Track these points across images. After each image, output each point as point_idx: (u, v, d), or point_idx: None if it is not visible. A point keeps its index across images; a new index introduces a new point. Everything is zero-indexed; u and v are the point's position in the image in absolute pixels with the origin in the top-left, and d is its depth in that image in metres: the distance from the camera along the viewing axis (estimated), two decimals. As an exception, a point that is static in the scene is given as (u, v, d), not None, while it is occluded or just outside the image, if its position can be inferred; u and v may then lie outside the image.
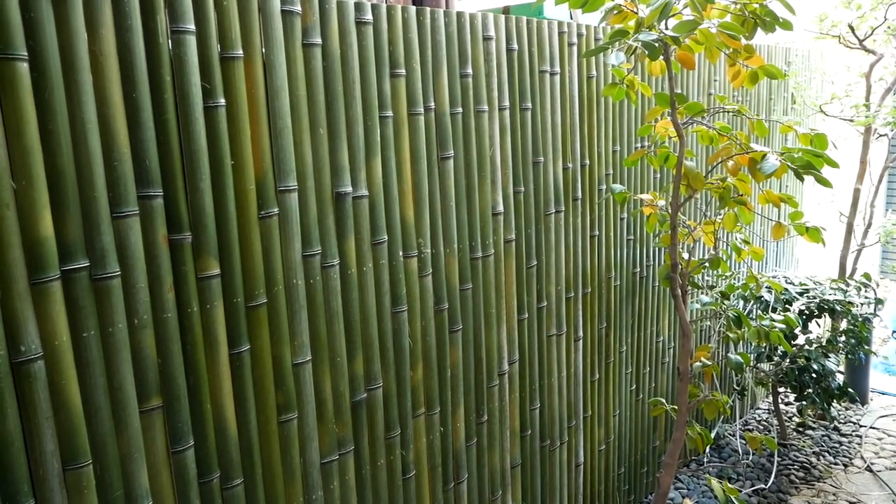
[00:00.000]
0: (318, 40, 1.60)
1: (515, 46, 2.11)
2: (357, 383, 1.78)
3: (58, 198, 1.22)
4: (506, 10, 2.88)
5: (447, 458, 2.07)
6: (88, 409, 1.28)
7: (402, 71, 1.79)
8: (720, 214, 2.33)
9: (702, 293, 3.07)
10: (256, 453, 1.57)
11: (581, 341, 2.56)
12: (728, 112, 2.38)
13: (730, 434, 3.61)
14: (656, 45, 1.78)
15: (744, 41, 1.87)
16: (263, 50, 1.50)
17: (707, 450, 3.47)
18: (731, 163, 2.08)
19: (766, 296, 3.18)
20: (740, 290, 2.99)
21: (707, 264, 2.43)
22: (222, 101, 1.43)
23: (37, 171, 1.18)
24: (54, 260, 1.22)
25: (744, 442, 3.54)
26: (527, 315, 2.30)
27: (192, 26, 1.37)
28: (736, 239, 2.61)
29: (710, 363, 2.37)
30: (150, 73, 1.32)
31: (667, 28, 1.88)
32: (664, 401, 2.51)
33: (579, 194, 2.44)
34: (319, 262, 1.65)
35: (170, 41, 1.35)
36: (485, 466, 2.21)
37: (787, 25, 1.83)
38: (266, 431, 1.58)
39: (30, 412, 1.21)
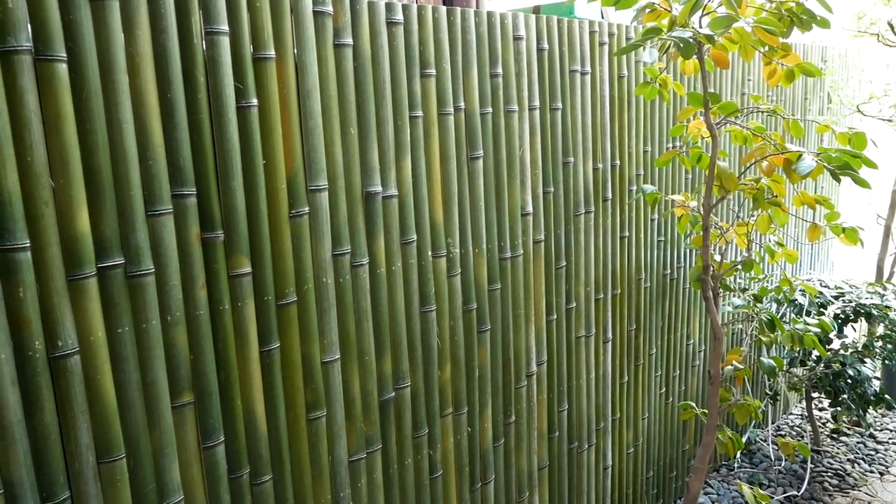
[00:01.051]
0: (350, 41, 1.61)
1: (546, 46, 2.10)
2: (385, 382, 1.78)
3: (94, 196, 1.24)
4: (536, 10, 2.87)
5: (474, 459, 2.07)
6: (122, 404, 1.31)
7: (433, 71, 1.79)
8: (753, 216, 2.29)
9: (734, 296, 3.03)
10: (285, 450, 1.59)
11: (610, 343, 2.54)
12: (763, 112, 2.34)
13: (761, 439, 3.56)
14: (690, 42, 1.76)
15: (780, 39, 1.84)
16: (295, 50, 1.51)
17: (738, 455, 3.42)
18: (765, 163, 2.05)
19: (801, 299, 3.13)
20: (773, 293, 2.94)
21: (739, 266, 2.39)
22: (255, 101, 1.45)
23: (74, 170, 1.21)
24: (91, 257, 1.24)
25: (776, 447, 3.48)
26: (555, 316, 2.28)
27: (225, 27, 1.39)
28: (769, 241, 2.57)
29: (741, 367, 2.34)
30: (185, 73, 1.34)
31: (700, 26, 1.86)
32: (694, 405, 2.48)
33: (609, 195, 2.42)
34: (349, 261, 1.66)
35: (204, 42, 1.37)
36: (512, 467, 2.20)
37: (824, 23, 1.80)
38: (295, 429, 1.60)
39: (66, 406, 1.24)
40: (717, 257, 2.35)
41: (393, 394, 1.81)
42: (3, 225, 1.14)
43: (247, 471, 1.52)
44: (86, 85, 1.21)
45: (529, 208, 2.12)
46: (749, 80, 3.14)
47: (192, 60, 1.35)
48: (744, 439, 3.34)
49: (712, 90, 2.82)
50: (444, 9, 1.80)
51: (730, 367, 2.34)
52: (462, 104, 1.88)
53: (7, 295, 1.15)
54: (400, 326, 1.80)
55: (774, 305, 3.11)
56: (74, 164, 1.20)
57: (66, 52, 1.18)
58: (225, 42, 1.39)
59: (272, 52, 1.47)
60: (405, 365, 1.82)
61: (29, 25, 1.15)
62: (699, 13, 1.87)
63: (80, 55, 1.20)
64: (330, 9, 1.56)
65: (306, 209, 1.56)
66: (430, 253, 1.85)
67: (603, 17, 2.67)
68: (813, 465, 3.40)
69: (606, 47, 2.32)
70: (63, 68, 1.18)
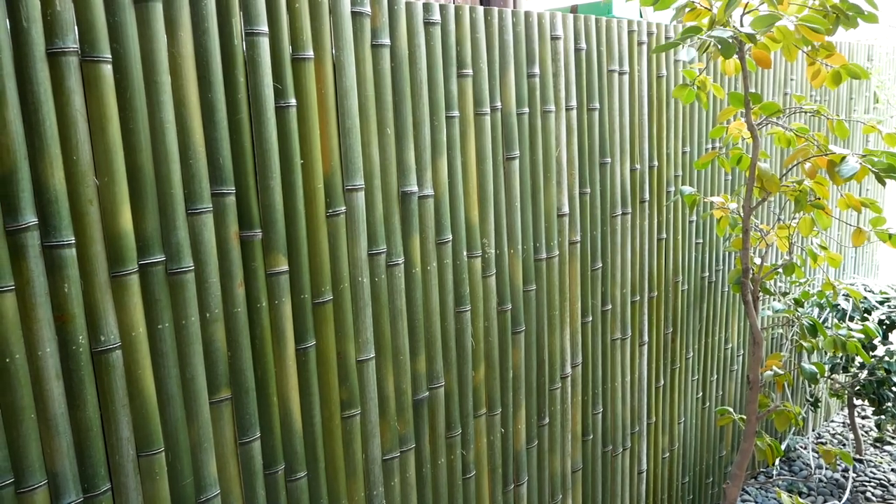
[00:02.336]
0: (387, 41, 1.61)
1: (583, 46, 2.09)
2: (419, 382, 1.79)
3: (136, 194, 1.27)
4: (574, 9, 2.85)
5: (507, 460, 2.06)
6: (162, 399, 1.33)
7: (469, 71, 1.79)
8: (795, 218, 2.25)
9: (774, 300, 2.97)
10: (320, 447, 1.60)
11: (646, 346, 2.51)
12: (806, 112, 2.29)
13: (801, 447, 3.48)
14: (730, 42, 1.73)
15: (825, 38, 1.80)
16: (333, 51, 1.52)
17: (777, 462, 3.35)
18: (808, 165, 2.01)
19: (844, 304, 3.05)
20: (815, 297, 2.87)
21: (780, 270, 2.35)
22: (293, 101, 1.46)
23: (118, 168, 1.23)
24: (133, 254, 1.27)
25: (817, 455, 3.41)
26: (591, 318, 2.26)
27: (265, 28, 1.40)
28: (812, 244, 2.52)
29: (781, 372, 2.29)
30: (225, 73, 1.36)
31: (741, 25, 1.82)
32: (732, 410, 2.44)
33: (647, 196, 2.39)
34: (384, 260, 1.67)
35: (244, 43, 1.38)
36: (545, 469, 2.19)
37: (871, 18, 1.75)
38: (329, 426, 1.61)
39: (107, 400, 1.26)
40: (758, 260, 2.31)
41: (427, 393, 1.81)
42: (50, 222, 1.17)
43: (282, 467, 1.54)
44: (129, 85, 1.23)
45: (566, 209, 2.11)
46: (792, 79, 3.08)
47: (233, 61, 1.37)
48: (783, 446, 3.28)
49: (753, 90, 2.78)
50: (481, 9, 1.80)
51: (769, 372, 2.30)
52: (498, 104, 1.88)
53: (52, 290, 1.18)
54: (434, 326, 1.80)
55: (816, 310, 3.04)
56: (118, 162, 1.23)
57: (111, 53, 1.21)
58: (264, 43, 1.41)
59: (311, 53, 1.48)
60: (439, 364, 1.83)
61: (76, 27, 1.18)
62: (740, 11, 1.83)
63: (124, 56, 1.22)
64: (368, 9, 1.57)
65: (343, 208, 1.57)
66: (465, 253, 1.85)
67: (641, 17, 2.64)
68: (855, 475, 3.31)
69: (645, 47, 2.29)
70: (108, 69, 1.21)
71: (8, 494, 1.16)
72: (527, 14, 1.91)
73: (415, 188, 1.71)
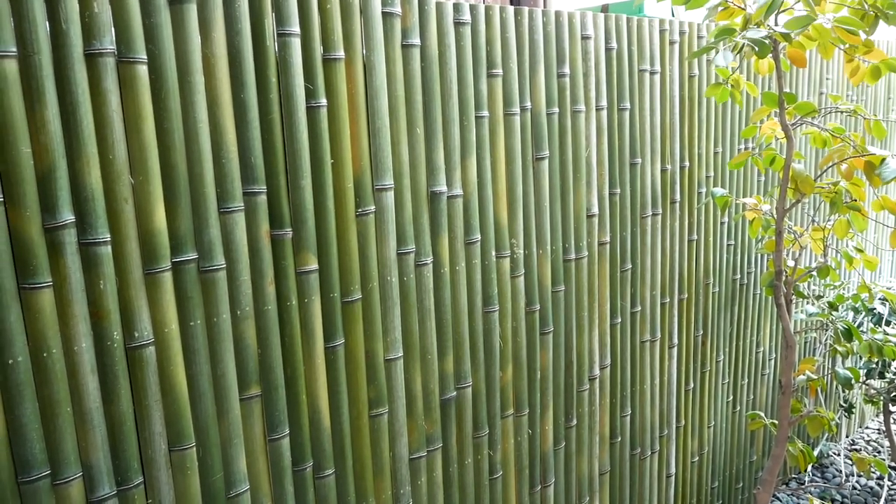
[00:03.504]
0: (417, 41, 1.62)
1: (614, 45, 2.07)
2: (447, 381, 1.79)
3: (170, 193, 1.28)
4: (605, 9, 2.83)
5: (534, 461, 2.05)
6: (193, 395, 1.35)
7: (499, 71, 1.79)
8: (830, 220, 2.21)
9: (808, 303, 2.92)
10: (348, 445, 1.61)
11: (676, 348, 2.49)
12: (842, 112, 2.25)
13: (834, 453, 3.42)
14: (765, 42, 1.71)
15: (863, 36, 1.77)
16: (364, 51, 1.53)
17: (809, 468, 3.30)
18: (844, 166, 1.97)
19: (880, 308, 2.99)
20: (851, 300, 2.82)
21: (814, 272, 2.30)
22: (324, 101, 1.48)
23: (152, 167, 1.25)
24: (166, 252, 1.29)
25: (850, 463, 3.34)
26: (620, 319, 2.25)
27: (297, 29, 1.42)
28: (847, 246, 2.47)
29: (815, 377, 2.25)
30: (257, 74, 1.37)
31: (776, 24, 1.80)
32: (763, 415, 2.40)
33: (678, 197, 2.37)
34: (413, 260, 1.67)
35: (276, 43, 1.40)
36: (572, 471, 2.18)
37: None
38: (357, 424, 1.62)
39: (140, 395, 1.28)
40: (791, 263, 2.27)
41: (454, 393, 1.81)
42: (86, 220, 1.19)
43: (310, 464, 1.55)
44: (164, 85, 1.25)
45: (595, 210, 2.09)
46: (828, 78, 3.02)
47: (265, 61, 1.38)
48: (815, 452, 3.22)
49: (788, 90, 2.73)
50: (511, 8, 1.79)
51: (802, 376, 2.26)
52: (528, 104, 1.87)
53: (88, 287, 1.21)
54: (462, 326, 1.80)
55: (851, 314, 2.98)
56: (153, 161, 1.25)
57: (146, 54, 1.23)
58: (296, 43, 1.42)
59: (341, 53, 1.49)
60: (467, 365, 1.83)
61: (113, 29, 1.20)
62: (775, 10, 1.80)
63: (159, 57, 1.24)
64: (398, 10, 1.57)
65: (372, 208, 1.58)
66: (493, 253, 1.84)
67: (673, 16, 2.62)
68: (890, 483, 3.24)
69: (677, 46, 2.27)
70: (143, 70, 1.23)
71: (45, 486, 1.19)
72: (557, 14, 1.91)
73: (444, 188, 1.71)
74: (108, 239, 1.22)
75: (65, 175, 1.16)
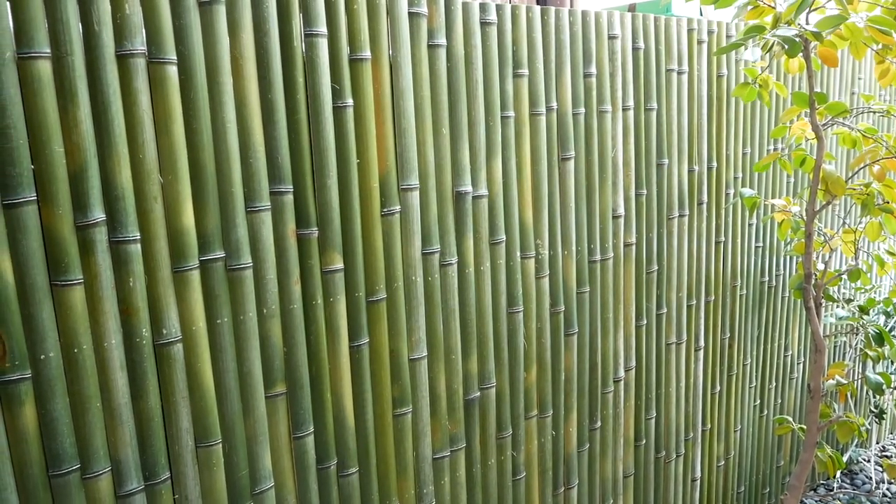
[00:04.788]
0: (443, 41, 1.62)
1: (641, 45, 2.05)
2: (471, 382, 1.79)
3: (198, 192, 1.30)
4: (632, 8, 2.81)
5: (558, 463, 2.04)
6: (220, 392, 1.36)
7: (525, 71, 1.78)
8: (862, 223, 2.17)
9: (837, 307, 2.87)
10: (371, 444, 1.62)
11: (702, 351, 2.46)
12: (875, 112, 2.21)
13: (864, 460, 3.36)
14: (796, 41, 1.68)
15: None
16: (390, 51, 1.53)
17: (838, 475, 3.24)
18: (876, 167, 1.94)
19: (913, 312, 2.93)
20: (882, 304, 2.77)
21: (845, 276, 2.27)
22: (350, 101, 1.48)
23: (181, 167, 1.27)
24: (194, 250, 1.30)
25: (880, 469, 3.28)
26: (645, 321, 2.23)
27: (324, 29, 1.43)
28: (879, 249, 2.42)
29: (845, 382, 2.22)
30: (285, 74, 1.39)
31: (807, 22, 1.77)
32: (791, 419, 2.37)
33: (705, 198, 2.34)
34: (438, 260, 1.68)
35: (303, 44, 1.41)
36: (596, 474, 2.17)
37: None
38: (381, 423, 1.62)
39: (168, 391, 1.30)
40: (821, 265, 2.24)
41: (478, 393, 1.81)
42: (117, 218, 1.21)
43: (334, 462, 1.56)
44: (193, 86, 1.27)
45: (621, 210, 2.08)
46: (860, 78, 2.97)
47: (292, 62, 1.39)
48: (845, 458, 3.17)
49: (818, 89, 2.69)
50: (537, 8, 1.79)
51: (832, 381, 2.22)
52: (554, 104, 1.86)
53: (118, 284, 1.22)
54: (487, 326, 1.80)
55: (883, 318, 2.93)
56: (182, 161, 1.27)
57: (176, 54, 1.25)
58: (323, 44, 1.43)
59: (368, 54, 1.49)
60: (491, 365, 1.82)
61: (143, 30, 1.21)
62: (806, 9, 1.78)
63: (188, 58, 1.26)
64: (425, 10, 1.58)
65: (398, 208, 1.59)
66: (518, 254, 1.84)
67: (701, 15, 2.59)
68: (922, 490, 3.18)
69: (705, 45, 2.24)
70: (173, 70, 1.24)
71: (75, 480, 1.21)
72: (584, 13, 1.90)
73: (469, 188, 1.71)
74: (138, 237, 1.24)
75: (96, 174, 1.18)
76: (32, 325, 1.14)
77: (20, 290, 1.13)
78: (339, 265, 1.51)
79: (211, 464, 1.36)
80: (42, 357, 1.16)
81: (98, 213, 1.19)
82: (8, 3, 1.09)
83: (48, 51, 1.12)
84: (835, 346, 3.12)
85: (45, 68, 1.12)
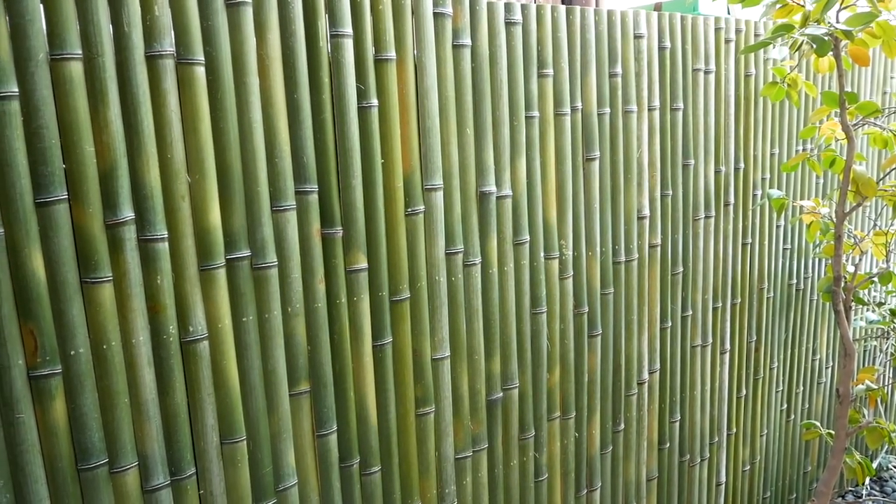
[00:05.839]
0: (468, 41, 1.62)
1: (668, 44, 2.04)
2: (493, 382, 1.79)
3: (225, 191, 1.31)
4: (658, 7, 2.79)
5: (581, 465, 2.03)
6: (244, 389, 1.38)
7: (550, 71, 1.78)
8: (893, 224, 2.13)
9: (868, 310, 2.82)
10: (394, 443, 1.62)
11: (728, 354, 2.43)
12: (907, 113, 2.17)
13: (894, 466, 3.30)
14: (825, 39, 1.66)
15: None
16: (415, 51, 1.54)
17: (867, 481, 3.19)
18: (908, 168, 1.90)
19: (945, 316, 2.87)
20: (914, 308, 2.71)
21: (876, 279, 2.23)
22: (375, 101, 1.49)
23: (208, 166, 1.28)
24: (220, 249, 1.32)
25: (911, 476, 3.22)
26: (670, 323, 2.21)
27: (349, 30, 1.43)
28: (911, 252, 2.38)
29: (875, 387, 2.18)
30: (310, 74, 1.40)
31: (837, 20, 1.74)
32: (818, 424, 2.33)
33: (731, 199, 2.32)
34: (462, 260, 1.68)
35: (328, 44, 1.42)
36: (619, 476, 2.15)
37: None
38: (404, 423, 1.63)
39: (194, 388, 1.32)
40: (851, 268, 2.20)
41: (501, 394, 1.81)
42: (145, 217, 1.22)
43: (357, 460, 1.57)
44: (220, 86, 1.28)
45: (646, 211, 2.06)
46: (892, 77, 2.92)
47: (318, 62, 1.40)
48: (874, 465, 3.11)
49: (849, 89, 2.65)
50: (563, 8, 1.78)
51: (861, 386, 2.18)
52: (579, 104, 1.86)
53: (146, 282, 1.24)
54: (510, 327, 1.79)
55: (914, 322, 2.87)
56: (209, 160, 1.28)
57: (203, 55, 1.26)
58: (348, 44, 1.44)
59: (393, 54, 1.50)
60: (514, 366, 1.82)
61: (172, 31, 1.23)
62: (837, 7, 1.75)
63: (216, 58, 1.27)
64: (450, 10, 1.58)
65: (422, 208, 1.59)
66: (542, 254, 1.83)
67: (729, 13, 2.56)
68: (954, 498, 3.11)
69: (732, 44, 2.22)
70: (201, 71, 1.26)
71: (102, 474, 1.23)
72: (609, 13, 1.89)
73: (493, 188, 1.71)
74: (166, 235, 1.25)
75: (125, 173, 1.20)
76: (63, 321, 1.17)
77: (51, 286, 1.15)
78: (364, 264, 1.52)
79: (235, 460, 1.37)
80: (72, 353, 1.18)
81: (127, 212, 1.21)
82: (41, 6, 1.11)
83: (80, 52, 1.14)
84: (864, 351, 3.07)
85: (76, 69, 1.14)
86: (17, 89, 1.10)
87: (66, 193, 1.16)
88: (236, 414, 1.37)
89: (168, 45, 1.22)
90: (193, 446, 1.33)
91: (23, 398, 1.14)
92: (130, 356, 1.24)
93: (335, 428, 1.52)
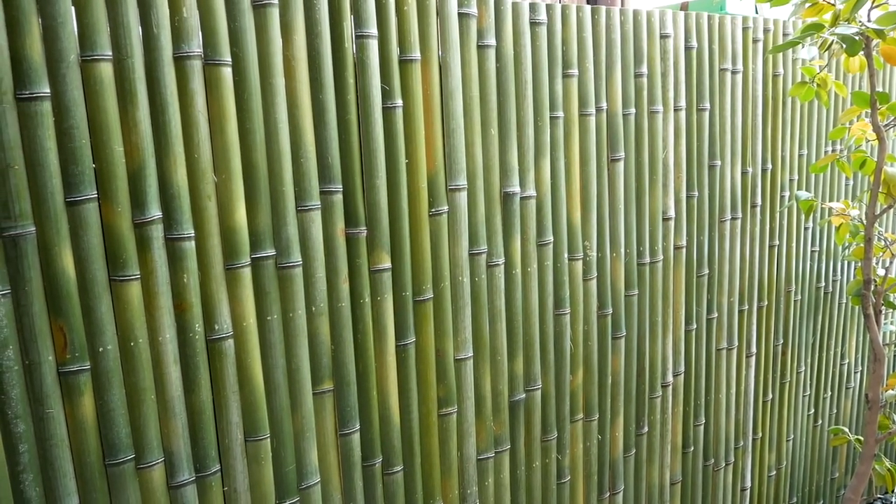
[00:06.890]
0: (493, 42, 1.62)
1: (694, 44, 2.02)
2: (516, 383, 1.78)
3: (251, 191, 1.33)
4: (684, 6, 2.76)
5: (603, 467, 2.02)
6: (269, 387, 1.39)
7: (575, 71, 1.77)
8: (925, 227, 2.09)
9: (898, 314, 2.77)
10: (416, 443, 1.62)
11: (753, 358, 2.40)
12: (940, 113, 2.12)
13: (925, 473, 3.23)
14: (856, 39, 1.63)
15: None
16: (440, 52, 1.54)
17: (896, 488, 3.13)
18: (942, 170, 1.86)
19: (979, 321, 2.81)
20: (946, 312, 2.66)
21: (907, 282, 2.18)
22: (399, 101, 1.49)
23: (235, 166, 1.29)
24: (246, 248, 1.33)
25: (942, 483, 3.15)
26: (695, 326, 2.19)
27: (374, 31, 1.44)
28: (943, 255, 2.33)
29: (905, 392, 2.14)
30: (336, 75, 1.40)
31: (868, 19, 1.71)
32: (847, 430, 2.30)
33: (758, 201, 2.29)
34: (485, 260, 1.67)
35: (354, 45, 1.42)
36: (642, 480, 2.14)
37: None
38: (426, 423, 1.63)
39: (219, 386, 1.33)
40: (881, 271, 2.16)
41: (523, 395, 1.80)
42: (172, 216, 1.24)
43: (379, 460, 1.57)
44: (247, 87, 1.29)
45: (671, 213, 2.04)
46: (924, 78, 2.86)
47: (343, 63, 1.41)
48: (904, 471, 3.05)
49: (880, 89, 2.60)
50: (588, 8, 1.77)
51: (891, 391, 2.15)
52: (604, 105, 1.84)
53: (173, 280, 1.26)
54: (533, 328, 1.79)
55: (946, 327, 2.82)
56: (235, 160, 1.29)
57: (230, 56, 1.27)
58: (373, 45, 1.44)
59: (417, 55, 1.50)
60: (537, 367, 1.81)
61: (199, 33, 1.24)
62: (868, 5, 1.72)
63: (242, 59, 1.28)
64: (475, 10, 1.58)
65: (445, 208, 1.59)
66: (566, 255, 1.82)
67: (757, 13, 2.53)
68: None
69: (760, 44, 2.19)
70: (228, 72, 1.27)
71: (129, 469, 1.24)
72: (635, 12, 1.87)
73: (517, 189, 1.70)
74: (192, 234, 1.27)
75: (153, 173, 1.22)
76: (91, 318, 1.18)
77: (81, 284, 1.17)
78: (387, 264, 1.52)
79: (259, 458, 1.39)
80: (100, 349, 1.20)
81: (155, 211, 1.22)
82: (73, 8, 1.13)
83: (110, 53, 1.16)
84: (895, 355, 3.02)
85: (106, 70, 1.16)
86: (48, 90, 1.11)
87: (96, 192, 1.17)
88: (260, 412, 1.38)
89: (196, 46, 1.23)
90: (218, 443, 1.35)
91: (52, 394, 1.16)
92: (157, 353, 1.25)
93: (358, 427, 1.53)
